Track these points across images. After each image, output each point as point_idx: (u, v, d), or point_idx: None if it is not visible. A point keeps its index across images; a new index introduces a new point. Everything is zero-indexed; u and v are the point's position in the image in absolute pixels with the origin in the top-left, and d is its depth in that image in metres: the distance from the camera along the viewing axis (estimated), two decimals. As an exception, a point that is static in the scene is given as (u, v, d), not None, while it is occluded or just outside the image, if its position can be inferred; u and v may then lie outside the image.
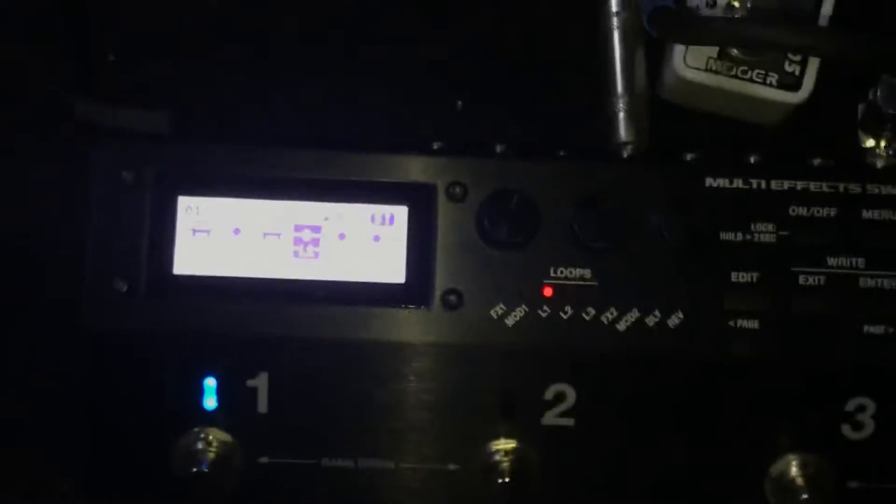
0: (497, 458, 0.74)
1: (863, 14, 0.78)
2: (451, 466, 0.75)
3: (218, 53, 0.82)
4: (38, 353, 0.79)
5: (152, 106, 0.79)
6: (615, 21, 0.79)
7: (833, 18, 0.76)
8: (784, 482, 0.74)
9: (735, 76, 0.77)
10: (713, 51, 0.77)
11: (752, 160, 0.75)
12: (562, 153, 0.76)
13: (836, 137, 0.79)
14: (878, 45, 0.70)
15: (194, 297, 0.73)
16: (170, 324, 0.73)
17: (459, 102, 0.84)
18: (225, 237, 0.73)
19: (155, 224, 0.73)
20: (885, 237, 0.73)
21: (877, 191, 0.74)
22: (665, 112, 0.81)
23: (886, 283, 0.73)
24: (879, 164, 0.77)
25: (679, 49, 0.77)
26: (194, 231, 0.73)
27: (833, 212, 0.74)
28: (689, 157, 0.76)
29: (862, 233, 0.73)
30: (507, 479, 0.73)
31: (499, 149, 0.75)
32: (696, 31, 0.72)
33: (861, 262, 0.73)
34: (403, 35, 0.83)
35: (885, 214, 0.73)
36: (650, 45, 0.79)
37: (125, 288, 0.73)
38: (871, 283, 0.73)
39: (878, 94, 0.74)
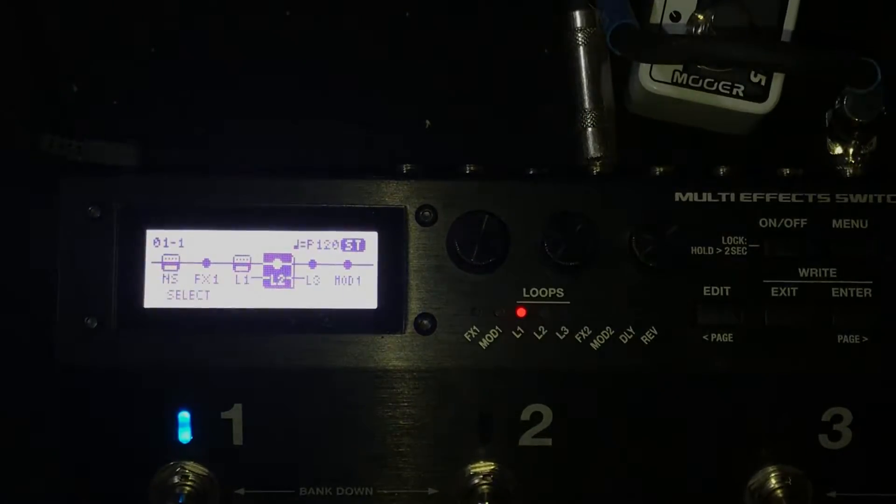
0: (476, 480, 0.74)
1: (825, 28, 0.78)
2: (430, 491, 0.75)
3: (184, 84, 0.82)
4: (10, 389, 0.79)
5: (119, 138, 0.79)
6: (580, 37, 0.79)
7: (795, 33, 0.76)
8: (763, 494, 0.74)
9: (701, 88, 0.78)
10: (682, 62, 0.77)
11: (721, 172, 0.75)
12: (531, 172, 0.76)
13: (806, 146, 0.79)
14: (836, 60, 0.70)
15: (165, 331, 0.73)
16: (142, 358, 0.73)
17: (428, 122, 0.84)
18: (194, 269, 0.73)
19: (123, 258, 0.73)
20: (855, 246, 0.73)
21: (846, 200, 0.74)
22: (634, 126, 0.81)
23: (858, 293, 0.73)
24: (848, 172, 0.77)
25: (645, 63, 0.77)
26: (163, 264, 0.73)
27: (803, 222, 0.73)
28: (658, 171, 0.75)
29: (832, 242, 0.73)
30: (486, 502, 0.73)
31: (468, 170, 0.75)
32: (655, 49, 0.72)
33: (832, 272, 0.73)
34: (372, 59, 0.83)
35: (855, 223, 0.73)
36: (617, 60, 0.79)
37: (95, 324, 0.72)
38: (843, 292, 0.73)
39: (844, 102, 0.74)
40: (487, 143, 0.83)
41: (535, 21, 0.83)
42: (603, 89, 0.79)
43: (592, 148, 0.78)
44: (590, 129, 0.78)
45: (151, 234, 0.73)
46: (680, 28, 0.77)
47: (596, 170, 0.77)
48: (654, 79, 0.78)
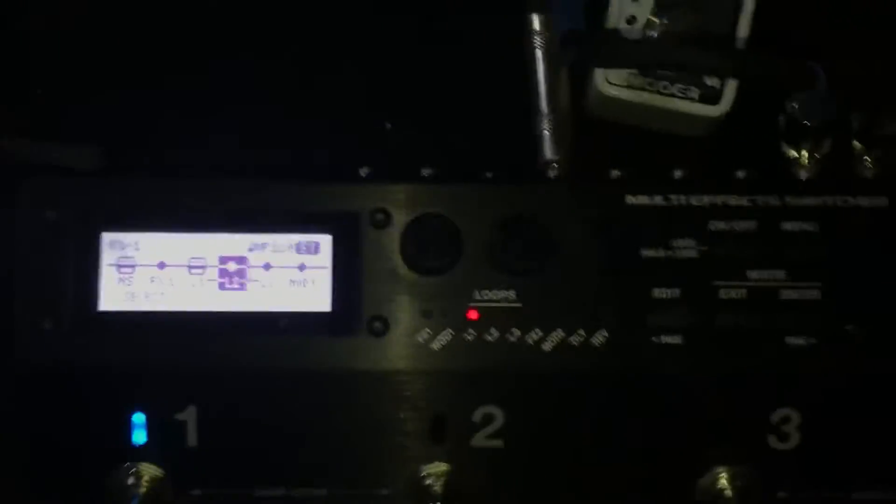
0: (429, 481, 0.75)
1: (779, 34, 0.79)
2: (384, 491, 0.75)
3: (142, 86, 0.83)
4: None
5: (79, 141, 0.79)
6: (537, 41, 0.79)
7: (750, 39, 0.77)
8: (713, 495, 0.74)
9: (656, 92, 0.78)
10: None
11: (675, 176, 0.76)
12: (488, 175, 0.76)
13: (766, 150, 0.80)
14: (778, 64, 0.70)
15: (121, 333, 0.73)
16: (97, 360, 0.73)
17: (388, 124, 0.84)
18: (150, 271, 0.74)
19: (79, 261, 0.73)
20: (804, 249, 0.74)
21: (796, 203, 0.74)
22: (591, 130, 0.82)
23: (807, 295, 0.74)
24: (803, 175, 0.77)
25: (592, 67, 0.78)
26: (119, 266, 0.74)
27: (752, 225, 0.74)
28: (614, 174, 0.76)
29: (782, 245, 0.74)
30: (439, 503, 0.74)
31: (424, 173, 0.76)
32: (607, 54, 0.73)
33: (781, 274, 0.74)
34: (327, 62, 0.84)
35: (805, 226, 0.74)
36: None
37: (51, 325, 0.73)
38: (792, 294, 0.74)
39: (796, 105, 0.75)
40: (446, 146, 0.83)
41: (497, 26, 0.84)
42: (560, 93, 0.80)
43: (548, 151, 0.79)
44: (546, 133, 0.79)
45: (107, 237, 0.74)
46: (636, 33, 0.78)
47: (552, 173, 0.78)
48: (610, 82, 0.79)
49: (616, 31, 0.77)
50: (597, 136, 0.82)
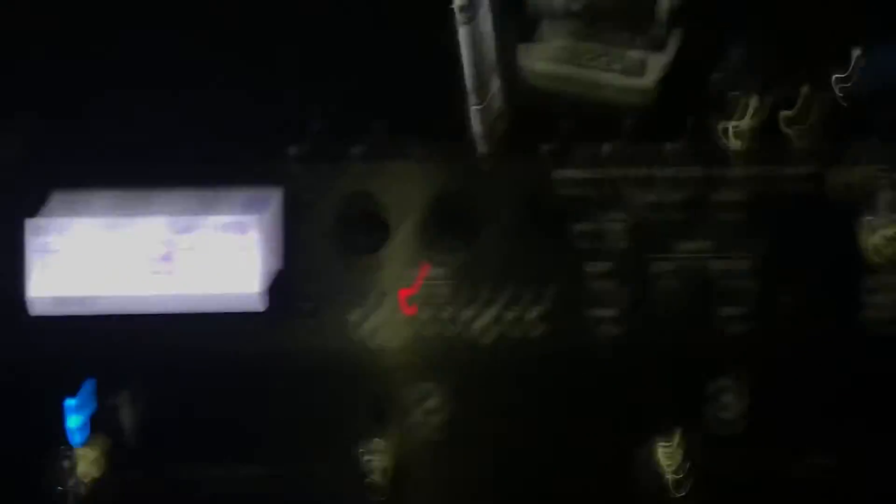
0: (367, 457, 0.75)
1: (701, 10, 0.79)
2: (323, 470, 0.75)
3: (78, 64, 0.82)
4: None
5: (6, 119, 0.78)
6: (463, 17, 0.79)
7: (670, 13, 0.77)
8: (651, 467, 0.75)
9: (580, 65, 0.78)
10: (563, 41, 0.78)
11: (603, 149, 0.76)
12: (417, 153, 0.76)
13: (700, 122, 0.80)
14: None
15: (51, 319, 0.73)
16: (28, 346, 0.73)
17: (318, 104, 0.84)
18: (78, 257, 0.73)
19: (4, 247, 0.73)
20: (733, 219, 0.74)
21: (723, 174, 0.74)
22: (524, 105, 0.82)
23: (737, 265, 0.74)
24: (732, 146, 0.77)
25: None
26: (45, 253, 0.73)
27: (680, 196, 0.74)
28: (545, 148, 0.76)
29: (710, 216, 0.74)
30: (377, 479, 0.74)
31: (354, 151, 0.75)
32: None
33: (711, 244, 0.74)
34: (259, 37, 0.83)
35: (732, 195, 0.74)
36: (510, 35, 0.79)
37: (-22, 314, 0.73)
38: (721, 265, 0.74)
39: (722, 76, 0.75)
40: (377, 123, 0.83)
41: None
42: (487, 68, 0.79)
43: (479, 128, 0.79)
44: (476, 108, 0.79)
45: (32, 223, 0.73)
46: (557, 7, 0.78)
47: (482, 148, 0.78)
48: (538, 57, 0.78)
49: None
50: (530, 110, 0.82)
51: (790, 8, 0.79)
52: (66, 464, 0.74)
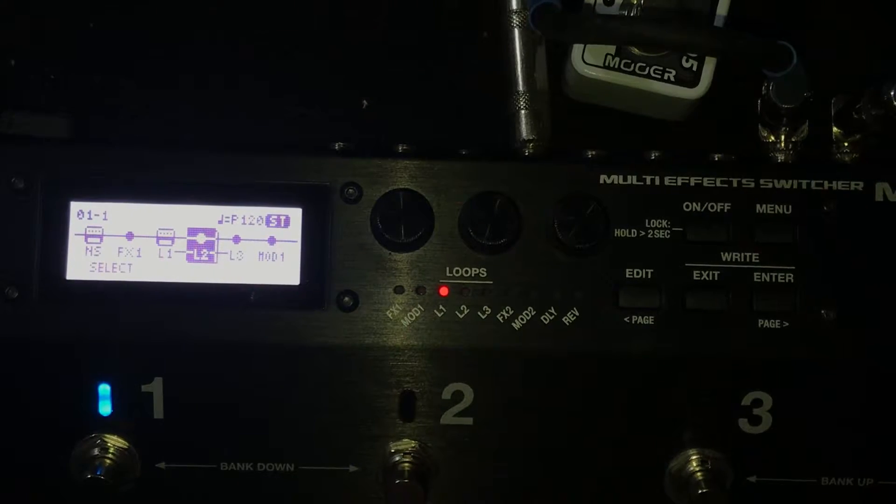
0: (397, 458, 0.74)
1: (759, 15, 0.78)
2: (352, 468, 0.75)
3: (118, 57, 0.82)
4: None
5: (52, 110, 0.79)
6: (515, 19, 0.79)
7: (728, 18, 0.76)
8: (683, 478, 0.74)
9: (633, 72, 0.78)
10: (611, 48, 0.77)
11: (652, 157, 0.75)
12: (463, 152, 0.75)
13: (742, 132, 0.80)
14: (750, 43, 0.70)
15: (87, 303, 0.73)
16: (63, 330, 0.73)
17: (365, 101, 0.84)
18: (118, 241, 0.73)
19: (46, 229, 0.73)
20: (778, 231, 0.73)
21: (770, 185, 0.74)
22: (569, 111, 0.81)
23: (780, 278, 0.73)
24: (779, 158, 0.77)
25: (577, 46, 0.77)
26: (87, 236, 0.73)
27: (727, 207, 0.74)
28: (589, 154, 0.75)
29: (755, 228, 0.73)
30: (406, 480, 0.73)
31: (400, 149, 0.75)
32: (575, 29, 0.72)
33: (755, 256, 0.73)
34: (308, 37, 0.83)
35: (778, 209, 0.73)
36: (553, 43, 0.79)
37: (16, 294, 0.72)
38: (764, 277, 0.73)
39: (771, 89, 0.74)
40: (425, 124, 0.83)
41: (475, 3, 0.84)
42: (537, 72, 0.79)
43: (525, 130, 0.79)
44: (522, 112, 0.79)
45: (75, 206, 0.73)
46: (613, 11, 0.77)
47: (528, 152, 0.77)
48: (586, 62, 0.78)
49: (589, 7, 0.77)
50: (573, 117, 0.82)
51: (845, 19, 0.79)
52: (95, 451, 0.73)
